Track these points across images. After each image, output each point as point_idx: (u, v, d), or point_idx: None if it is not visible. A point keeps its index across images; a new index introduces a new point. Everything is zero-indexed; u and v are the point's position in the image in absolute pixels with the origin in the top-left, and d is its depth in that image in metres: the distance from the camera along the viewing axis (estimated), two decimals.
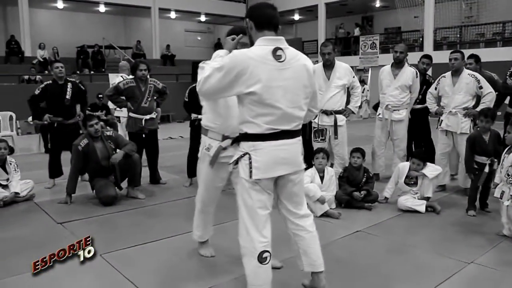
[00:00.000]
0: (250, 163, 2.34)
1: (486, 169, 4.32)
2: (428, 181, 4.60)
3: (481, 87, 5.13)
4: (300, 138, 2.50)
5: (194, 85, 5.82)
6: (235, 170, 2.48)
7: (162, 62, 19.44)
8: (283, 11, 20.43)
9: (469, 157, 4.54)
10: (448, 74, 5.37)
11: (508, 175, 3.76)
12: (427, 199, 4.61)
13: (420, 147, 6.10)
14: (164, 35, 20.19)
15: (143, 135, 5.70)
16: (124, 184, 5.29)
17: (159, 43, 19.92)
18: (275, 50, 2.30)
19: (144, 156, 5.86)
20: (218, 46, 22.25)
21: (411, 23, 16.76)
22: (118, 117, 7.92)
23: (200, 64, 2.81)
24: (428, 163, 4.73)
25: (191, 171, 5.82)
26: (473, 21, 16.38)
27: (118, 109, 7.34)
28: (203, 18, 22.24)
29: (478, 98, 5.16)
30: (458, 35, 15.92)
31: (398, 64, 5.61)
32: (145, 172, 5.80)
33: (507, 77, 5.49)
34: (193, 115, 5.69)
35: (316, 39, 19.13)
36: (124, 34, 21.40)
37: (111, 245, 3.62)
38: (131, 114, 5.73)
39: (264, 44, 2.33)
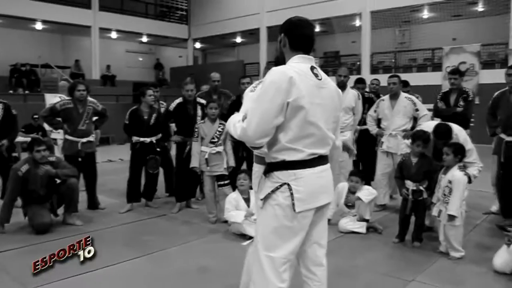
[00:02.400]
0: (292, 194, 2.07)
1: (410, 197, 4.23)
2: (364, 204, 4.65)
3: (417, 110, 5.38)
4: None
5: (135, 107, 5.71)
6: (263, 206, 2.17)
7: (102, 83, 18.90)
8: (225, 34, 20.69)
9: (398, 181, 4.48)
10: (387, 97, 5.59)
11: (445, 194, 3.91)
12: (367, 221, 4.69)
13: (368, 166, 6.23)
14: (105, 55, 19.71)
15: (80, 159, 5.45)
16: (61, 210, 5.02)
17: (99, 63, 19.41)
18: (312, 68, 2.15)
19: (82, 181, 5.60)
20: (158, 66, 22.11)
21: (349, 47, 17.41)
22: (55, 139, 7.56)
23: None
24: (365, 186, 4.78)
25: (131, 195, 5.65)
26: (406, 47, 17.29)
27: (54, 131, 7.02)
28: (144, 39, 21.96)
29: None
30: (393, 60, 16.72)
31: (341, 87, 5.70)
32: (83, 196, 5.53)
33: (438, 100, 5.76)
34: (134, 138, 5.53)
35: (258, 62, 19.39)
36: (62, 53, 20.68)
37: (45, 278, 3.38)
38: (68, 137, 5.48)
39: (301, 62, 2.15)
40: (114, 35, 20.59)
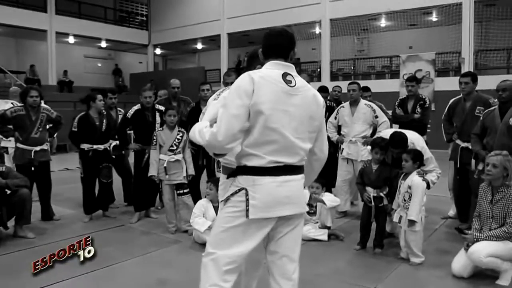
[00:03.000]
0: (247, 200, 2.06)
1: (372, 203, 4.25)
2: (326, 210, 4.65)
3: (376, 116, 5.45)
4: (302, 176, 2.21)
5: (83, 113, 5.49)
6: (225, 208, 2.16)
7: (58, 89, 18.34)
8: (186, 40, 20.52)
9: (359, 187, 4.47)
10: (347, 104, 5.64)
11: (405, 200, 3.96)
12: (328, 228, 4.69)
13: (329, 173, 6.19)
14: (62, 60, 19.15)
15: (33, 168, 5.21)
16: (12, 222, 4.76)
17: (55, 68, 18.83)
18: (285, 74, 2.13)
19: (35, 191, 5.35)
20: (117, 72, 21.65)
21: (310, 54, 17.62)
22: (6, 148, 7.19)
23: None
24: (327, 193, 4.79)
25: (89, 206, 5.45)
26: (365, 54, 17.65)
27: (5, 139, 6.68)
28: (103, 44, 21.49)
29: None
30: (352, 67, 17.01)
31: None
32: (37, 207, 5.29)
33: (396, 107, 5.87)
34: (86, 146, 5.34)
35: (219, 68, 19.31)
36: (16, 57, 19.95)
37: None
38: (19, 145, 5.23)
39: (273, 68, 2.16)
40: (71, 39, 20.06)
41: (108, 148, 5.49)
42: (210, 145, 2.07)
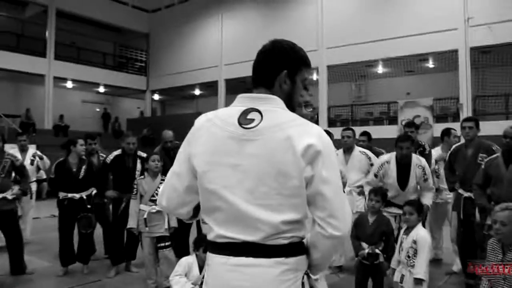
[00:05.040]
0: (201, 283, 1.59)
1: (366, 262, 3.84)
2: None
3: (372, 164, 5.14)
4: (284, 261, 1.43)
5: (62, 159, 5.21)
6: None
7: (54, 133, 18.17)
8: (184, 85, 20.56)
9: (353, 242, 4.00)
10: (340, 151, 5.34)
11: (409, 257, 3.59)
12: None
13: None
14: (59, 105, 19.09)
15: None
16: None
17: (52, 112, 18.73)
18: (247, 111, 1.48)
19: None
20: (106, 116, 21.55)
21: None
22: None
23: None
24: None
25: (65, 258, 5.07)
26: (362, 100, 17.59)
27: None
28: (101, 89, 21.52)
29: None
30: (350, 113, 16.90)
31: None
32: (6, 259, 4.91)
33: None
34: (62, 194, 5.04)
35: None
36: (13, 101, 19.86)
37: None
38: None
39: (236, 104, 1.55)
40: (69, 84, 20.09)
41: (84, 197, 5.15)
42: (163, 210, 1.66)
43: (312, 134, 1.42)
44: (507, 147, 4.07)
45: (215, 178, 1.46)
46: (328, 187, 1.41)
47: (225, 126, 1.48)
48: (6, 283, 4.65)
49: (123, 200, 4.97)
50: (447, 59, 13.84)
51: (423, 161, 4.59)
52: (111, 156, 5.17)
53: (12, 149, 6.77)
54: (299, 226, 1.46)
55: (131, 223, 4.53)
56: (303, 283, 1.46)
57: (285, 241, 1.43)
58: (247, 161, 1.43)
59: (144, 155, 5.14)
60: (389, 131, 13.93)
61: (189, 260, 3.90)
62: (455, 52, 13.47)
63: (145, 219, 4.46)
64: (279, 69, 1.53)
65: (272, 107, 1.49)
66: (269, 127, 1.44)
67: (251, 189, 1.42)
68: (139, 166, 5.11)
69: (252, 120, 1.46)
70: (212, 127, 1.50)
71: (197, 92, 21.97)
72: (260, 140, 1.43)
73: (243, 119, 1.47)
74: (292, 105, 1.56)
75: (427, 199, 4.47)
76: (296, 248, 1.46)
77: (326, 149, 1.42)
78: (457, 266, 5.07)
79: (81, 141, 5.21)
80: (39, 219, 5.45)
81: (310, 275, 1.52)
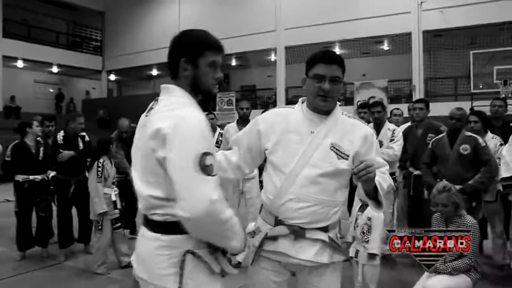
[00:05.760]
0: None
1: None
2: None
3: None
4: (160, 237, 1.62)
5: (18, 141, 5.10)
6: None
7: (4, 115, 17.51)
8: (141, 66, 20.19)
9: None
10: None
11: (363, 233, 3.78)
12: None
13: None
14: (9, 85, 18.35)
15: None
16: None
17: (2, 93, 18.01)
18: (154, 101, 1.71)
19: None
20: (60, 96, 20.90)
21: (265, 81, 17.66)
22: None
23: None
24: None
25: (23, 242, 5.00)
26: None
27: None
28: (55, 69, 20.83)
29: None
30: None
31: (245, 121, 5.18)
32: None
33: None
34: (21, 177, 4.95)
35: None
36: None
37: None
38: None
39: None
40: (20, 64, 19.31)
41: (46, 179, 5.10)
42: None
43: (168, 118, 1.55)
44: (452, 128, 4.32)
45: (132, 159, 1.73)
46: (174, 169, 1.51)
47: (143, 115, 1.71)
48: None
49: (71, 183, 4.99)
50: (401, 42, 14.26)
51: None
52: (60, 137, 5.11)
53: None
54: (169, 204, 1.57)
55: (104, 207, 4.44)
56: (183, 261, 1.58)
57: (160, 218, 1.62)
58: (141, 143, 1.66)
59: (85, 135, 5.26)
60: (347, 111, 14.28)
61: None
62: (408, 35, 13.90)
63: (114, 201, 4.53)
64: (177, 58, 1.67)
65: (166, 96, 1.67)
66: (153, 114, 1.64)
67: (143, 168, 1.65)
68: (81, 146, 5.16)
69: (151, 109, 1.68)
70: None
71: (154, 72, 21.60)
72: (147, 126, 1.63)
73: (149, 109, 1.70)
74: (201, 89, 1.71)
75: None
76: (171, 227, 1.59)
77: (176, 133, 1.52)
78: None
79: (36, 122, 5.13)
80: None
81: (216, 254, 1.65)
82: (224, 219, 1.53)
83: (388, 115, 6.36)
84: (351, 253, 3.87)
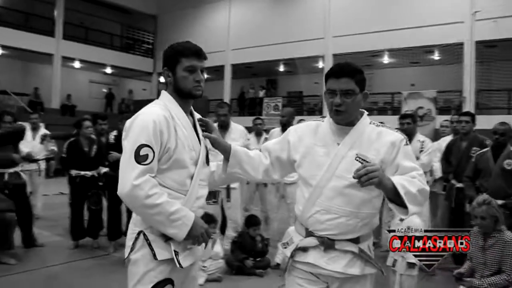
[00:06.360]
0: None
1: None
2: None
3: None
4: (134, 216, 2.01)
5: (73, 139, 5.45)
6: None
7: (61, 112, 18.42)
8: None
9: None
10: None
11: None
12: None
13: None
14: (66, 84, 19.26)
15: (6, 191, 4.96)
16: None
17: (59, 92, 18.92)
18: None
19: None
20: (110, 96, 21.62)
21: (312, 88, 17.70)
22: None
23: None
24: None
25: (76, 233, 5.35)
26: (367, 90, 17.67)
27: None
28: (109, 70, 21.71)
29: None
30: None
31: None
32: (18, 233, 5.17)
33: None
34: (74, 172, 5.29)
35: (222, 98, 19.41)
36: (22, 80, 20.08)
37: None
38: None
39: None
40: (77, 64, 20.26)
41: (96, 175, 5.42)
42: None
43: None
44: (496, 143, 4.29)
45: None
46: (123, 154, 1.89)
47: None
48: (18, 255, 4.91)
49: None
50: (452, 52, 13.91)
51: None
52: (112, 136, 5.36)
53: None
54: None
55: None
56: (136, 238, 1.93)
57: None
58: None
59: None
60: (393, 122, 14.08)
61: None
62: (460, 45, 13.55)
63: None
64: (162, 68, 2.04)
65: (158, 99, 2.07)
66: None
67: None
68: None
69: None
70: None
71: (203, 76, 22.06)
72: None
73: None
74: (183, 92, 2.03)
75: None
76: None
77: (130, 126, 1.92)
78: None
79: (86, 123, 5.44)
80: (47, 196, 5.72)
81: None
82: (148, 203, 1.81)
83: (437, 126, 6.32)
84: (389, 262, 3.88)
